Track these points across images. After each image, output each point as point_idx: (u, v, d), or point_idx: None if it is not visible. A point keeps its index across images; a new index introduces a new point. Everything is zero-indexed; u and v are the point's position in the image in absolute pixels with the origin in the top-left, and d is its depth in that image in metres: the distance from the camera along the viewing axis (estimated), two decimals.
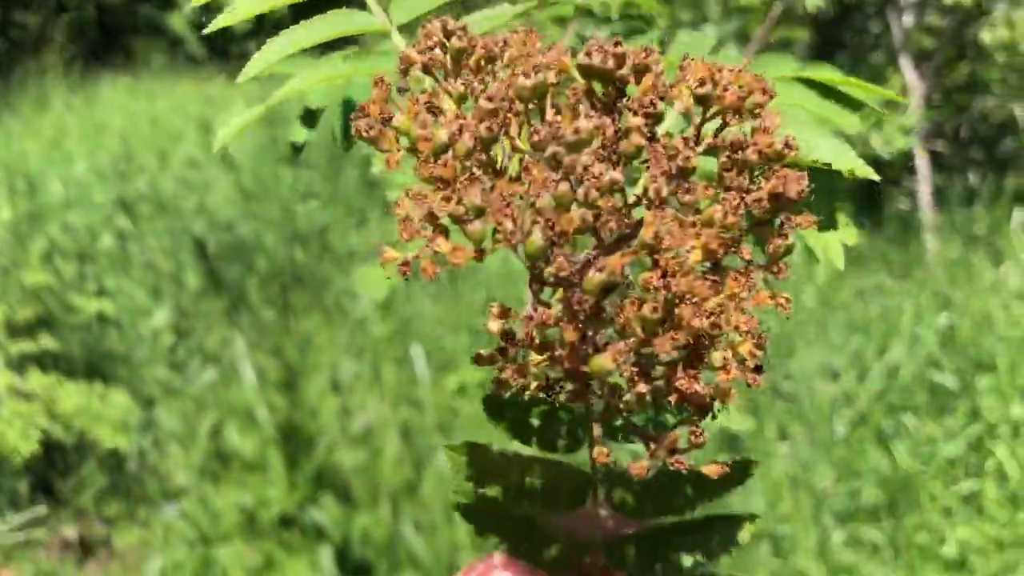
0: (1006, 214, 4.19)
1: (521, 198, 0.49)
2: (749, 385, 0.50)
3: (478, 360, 0.55)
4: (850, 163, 0.60)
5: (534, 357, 0.51)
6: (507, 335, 0.53)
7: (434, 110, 0.55)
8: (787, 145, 0.51)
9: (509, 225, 0.48)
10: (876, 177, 0.61)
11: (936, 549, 2.50)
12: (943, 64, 4.81)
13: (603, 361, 0.48)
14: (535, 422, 0.65)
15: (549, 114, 0.53)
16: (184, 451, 3.13)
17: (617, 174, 0.48)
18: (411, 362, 3.42)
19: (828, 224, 0.65)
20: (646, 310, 0.47)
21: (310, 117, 0.92)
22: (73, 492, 3.30)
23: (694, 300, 0.47)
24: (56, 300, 4.39)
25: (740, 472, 0.60)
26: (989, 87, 4.83)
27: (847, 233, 0.62)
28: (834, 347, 3.43)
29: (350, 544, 2.49)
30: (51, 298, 4.40)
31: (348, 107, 0.91)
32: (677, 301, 0.47)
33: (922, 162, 4.51)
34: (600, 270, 0.47)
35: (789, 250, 0.53)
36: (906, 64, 4.60)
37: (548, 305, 0.51)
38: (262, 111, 0.91)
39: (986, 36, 4.29)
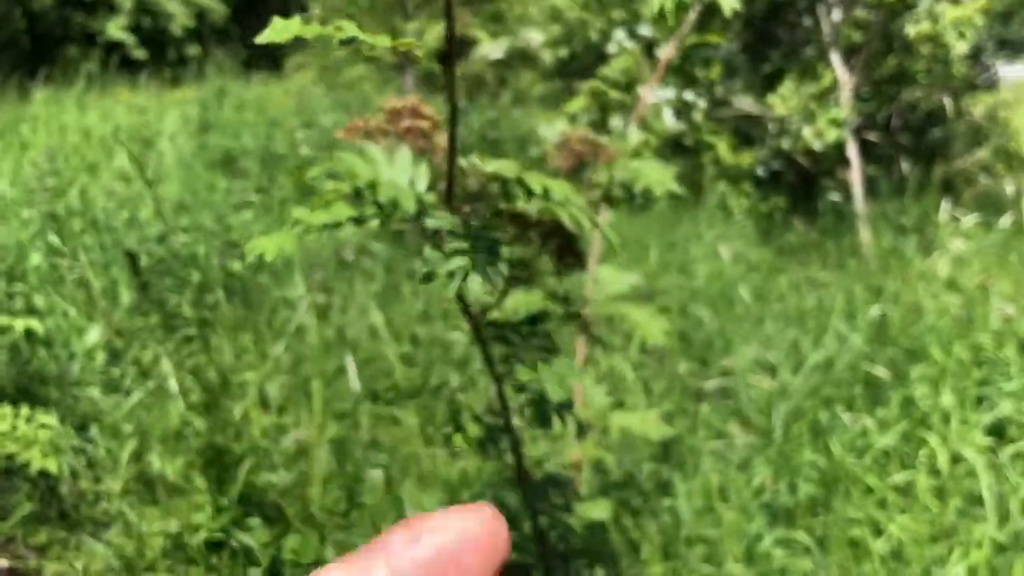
0: (934, 204, 4.25)
1: None
2: None
3: None
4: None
5: None
6: None
7: None
8: None
9: None
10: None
11: (872, 542, 2.50)
12: (872, 57, 4.86)
13: None
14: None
15: None
16: (113, 475, 3.03)
17: None
18: (346, 374, 3.35)
19: None
20: None
21: None
22: (0, 520, 3.18)
23: None
24: None
25: None
26: (916, 78, 4.89)
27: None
28: (770, 341, 3.44)
29: (280, 567, 2.41)
30: None
31: None
32: None
33: (854, 154, 4.55)
34: None
35: None
36: (836, 58, 4.64)
37: None
38: None
39: (910, 29, 4.34)
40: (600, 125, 4.66)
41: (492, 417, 1.46)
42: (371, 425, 3.20)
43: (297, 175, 0.99)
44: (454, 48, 0.98)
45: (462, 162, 1.09)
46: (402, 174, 1.05)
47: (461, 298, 1.09)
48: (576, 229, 1.13)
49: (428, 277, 0.93)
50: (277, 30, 0.92)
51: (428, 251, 0.95)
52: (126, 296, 4.74)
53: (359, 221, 1.02)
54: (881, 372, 3.07)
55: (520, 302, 1.78)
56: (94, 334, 4.29)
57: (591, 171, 1.91)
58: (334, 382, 3.57)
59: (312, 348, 3.73)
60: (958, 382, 2.98)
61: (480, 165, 1.07)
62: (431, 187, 1.06)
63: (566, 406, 1.11)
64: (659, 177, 1.74)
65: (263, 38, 0.92)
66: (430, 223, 1.00)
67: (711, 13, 2.15)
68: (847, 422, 2.91)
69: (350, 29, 0.95)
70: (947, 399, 2.91)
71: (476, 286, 0.97)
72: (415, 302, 4.10)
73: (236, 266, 4.97)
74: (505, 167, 1.03)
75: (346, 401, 3.37)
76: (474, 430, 1.45)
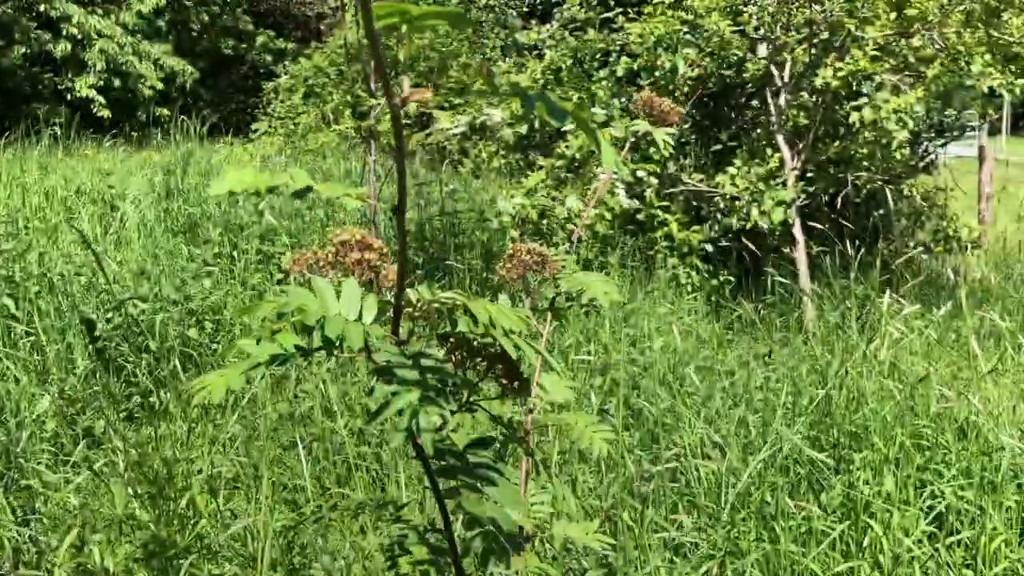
0: (877, 285, 4.36)
1: None
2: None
3: None
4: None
5: None
6: None
7: None
8: None
9: None
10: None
11: None
12: (816, 140, 5.02)
13: None
14: None
15: None
16: (55, 562, 2.97)
17: None
18: (297, 448, 3.35)
19: None
20: None
21: None
22: None
23: None
24: None
25: None
26: (860, 163, 5.05)
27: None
28: (719, 417, 3.48)
29: None
30: None
31: None
32: None
33: (799, 233, 4.68)
34: None
35: None
36: (782, 141, 4.79)
37: None
38: None
39: (853, 115, 4.51)
40: (552, 216, 4.77)
41: (437, 538, 1.47)
42: (320, 507, 3.18)
43: (246, 314, 1.01)
44: (405, 203, 1.00)
45: (411, 294, 1.12)
46: (350, 307, 1.04)
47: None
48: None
49: (377, 414, 0.94)
50: (230, 181, 0.94)
51: (378, 387, 0.96)
52: (81, 363, 4.69)
53: (306, 353, 1.02)
54: (825, 456, 3.13)
55: (465, 426, 1.81)
56: (45, 402, 4.24)
57: (537, 283, 1.96)
58: (286, 457, 3.55)
59: (266, 421, 3.71)
60: (900, 469, 3.04)
61: (428, 296, 1.11)
62: (379, 317, 1.07)
63: (518, 541, 1.12)
64: (604, 289, 1.80)
65: (213, 190, 0.94)
66: (378, 358, 1.01)
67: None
68: (792, 508, 2.95)
69: (300, 179, 0.97)
70: (889, 485, 2.96)
71: (426, 424, 0.97)
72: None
73: (193, 333, 4.95)
74: (453, 296, 1.08)
75: (298, 477, 3.35)
76: (419, 552, 1.45)
